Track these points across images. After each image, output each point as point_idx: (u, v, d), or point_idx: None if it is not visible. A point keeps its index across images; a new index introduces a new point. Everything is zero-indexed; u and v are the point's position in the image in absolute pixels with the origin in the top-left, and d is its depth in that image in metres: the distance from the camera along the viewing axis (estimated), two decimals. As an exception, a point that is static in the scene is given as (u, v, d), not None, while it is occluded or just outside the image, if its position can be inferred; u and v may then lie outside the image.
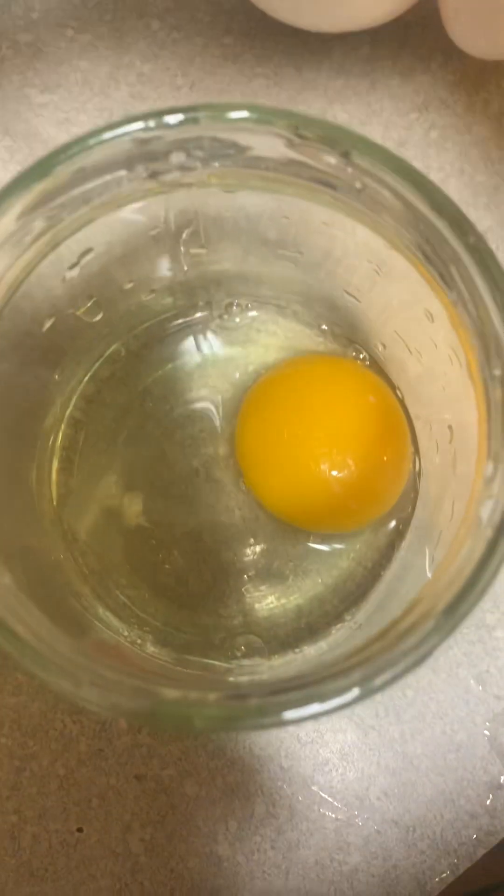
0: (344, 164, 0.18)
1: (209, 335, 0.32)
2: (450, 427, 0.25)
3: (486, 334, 0.18)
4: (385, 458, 0.29)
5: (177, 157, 0.18)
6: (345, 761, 0.31)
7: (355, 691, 0.16)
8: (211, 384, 0.32)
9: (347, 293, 0.27)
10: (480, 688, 0.31)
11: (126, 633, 0.29)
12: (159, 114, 0.17)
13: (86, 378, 0.31)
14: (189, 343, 0.32)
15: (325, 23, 0.33)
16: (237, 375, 0.32)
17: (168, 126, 0.17)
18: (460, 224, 0.18)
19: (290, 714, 0.16)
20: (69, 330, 0.27)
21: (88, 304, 0.26)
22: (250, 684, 0.17)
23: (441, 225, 0.18)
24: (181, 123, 0.17)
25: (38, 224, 0.18)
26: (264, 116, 0.17)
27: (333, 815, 0.31)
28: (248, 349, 0.32)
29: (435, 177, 0.35)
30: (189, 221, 0.24)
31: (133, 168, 0.18)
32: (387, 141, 0.35)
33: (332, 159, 0.18)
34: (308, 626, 0.31)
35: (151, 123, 0.17)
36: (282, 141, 0.18)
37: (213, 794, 0.31)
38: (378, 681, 0.16)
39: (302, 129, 0.17)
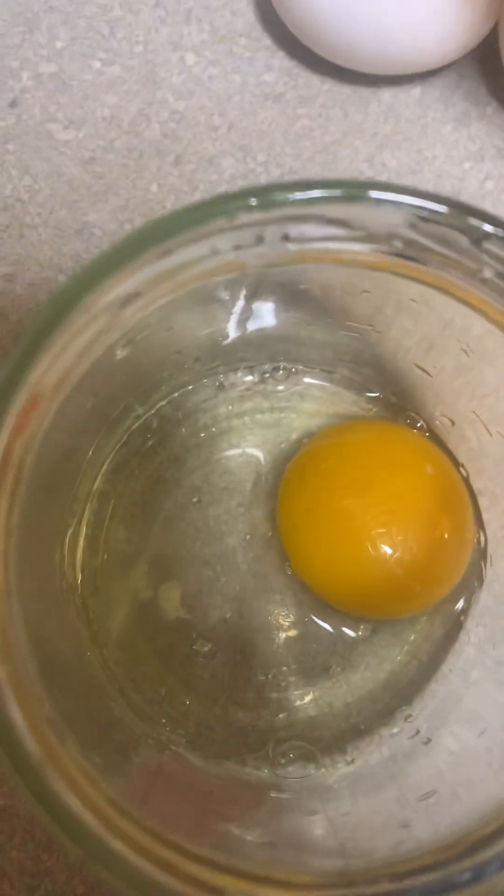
0: (475, 250, 0.15)
1: (250, 401, 0.29)
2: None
3: None
4: (446, 535, 0.26)
5: (271, 237, 0.15)
6: None
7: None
8: (250, 453, 0.29)
9: (418, 366, 0.25)
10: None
11: (155, 741, 0.26)
12: (267, 191, 0.14)
13: (116, 448, 0.28)
14: (228, 409, 0.29)
15: (377, 64, 0.31)
16: (279, 444, 0.29)
17: (274, 206, 0.14)
18: None
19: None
20: (107, 402, 0.24)
21: (130, 376, 0.23)
22: (364, 872, 0.14)
23: None
24: (291, 204, 0.14)
25: (112, 313, 0.15)
26: (388, 196, 0.14)
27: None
28: (291, 416, 0.30)
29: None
30: (257, 292, 0.21)
31: (220, 248, 0.15)
32: (438, 192, 0.33)
33: (462, 243, 0.15)
34: (355, 727, 0.28)
35: (253, 202, 0.14)
36: (405, 224, 0.15)
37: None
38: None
39: (428, 210, 0.15)
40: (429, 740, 0.25)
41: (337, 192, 0.14)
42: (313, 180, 0.14)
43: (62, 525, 0.27)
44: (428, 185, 0.32)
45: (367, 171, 0.32)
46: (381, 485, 0.26)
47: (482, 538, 0.27)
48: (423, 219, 0.15)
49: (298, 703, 0.28)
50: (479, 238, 0.15)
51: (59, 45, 0.32)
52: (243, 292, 0.22)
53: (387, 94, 0.32)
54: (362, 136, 0.32)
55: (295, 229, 0.15)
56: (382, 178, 0.32)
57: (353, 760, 0.27)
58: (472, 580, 0.27)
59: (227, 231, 0.15)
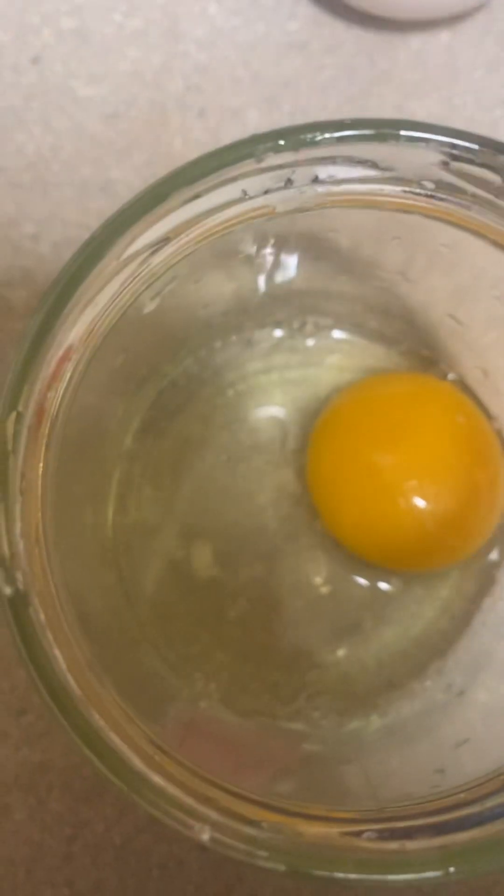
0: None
1: (278, 357, 0.29)
2: None
3: None
4: (478, 488, 0.26)
5: (300, 181, 0.15)
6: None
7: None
8: (280, 410, 0.29)
9: (451, 316, 0.24)
10: None
11: (188, 694, 0.27)
12: (292, 132, 0.14)
13: (145, 408, 0.28)
14: (255, 366, 0.29)
15: (405, 9, 0.30)
16: (308, 400, 0.29)
17: (302, 146, 0.14)
18: None
19: (459, 869, 0.13)
20: (137, 360, 0.24)
21: (160, 332, 0.23)
22: (400, 809, 0.14)
23: None
24: (317, 144, 0.14)
25: (140, 260, 0.15)
26: (418, 134, 0.14)
27: None
28: (320, 371, 0.29)
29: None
30: (285, 243, 0.21)
31: (250, 192, 0.15)
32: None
33: (495, 180, 0.15)
34: (388, 682, 0.28)
35: (282, 142, 0.14)
36: (436, 164, 0.14)
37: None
38: None
39: (459, 149, 0.14)
40: (462, 693, 0.25)
41: (366, 131, 0.14)
42: (342, 120, 0.14)
43: (94, 484, 0.27)
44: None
45: (394, 121, 0.31)
46: (411, 438, 0.26)
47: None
48: (455, 157, 0.15)
49: (330, 658, 0.28)
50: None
51: (79, -2, 0.32)
52: (271, 243, 0.21)
53: (415, 41, 0.32)
54: (390, 85, 0.32)
55: (324, 171, 0.15)
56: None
57: (386, 714, 0.27)
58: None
59: (256, 174, 0.15)
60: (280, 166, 0.15)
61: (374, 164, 0.15)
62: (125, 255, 0.14)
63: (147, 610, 0.28)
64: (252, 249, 0.22)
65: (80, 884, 0.28)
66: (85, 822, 0.28)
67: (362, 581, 0.28)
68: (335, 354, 0.29)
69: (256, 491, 0.29)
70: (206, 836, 0.14)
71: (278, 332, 0.29)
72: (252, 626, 0.28)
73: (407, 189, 0.16)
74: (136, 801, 0.14)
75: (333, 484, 0.27)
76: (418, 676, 0.28)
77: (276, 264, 0.23)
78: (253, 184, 0.15)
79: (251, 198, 0.15)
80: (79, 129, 0.31)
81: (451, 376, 0.27)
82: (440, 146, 0.14)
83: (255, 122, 0.31)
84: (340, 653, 0.28)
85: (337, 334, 0.29)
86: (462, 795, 0.15)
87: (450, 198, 0.16)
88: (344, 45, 0.32)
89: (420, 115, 0.31)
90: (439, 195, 0.16)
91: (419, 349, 0.29)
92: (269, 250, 0.22)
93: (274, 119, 0.31)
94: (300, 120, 0.31)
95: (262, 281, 0.25)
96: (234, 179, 0.15)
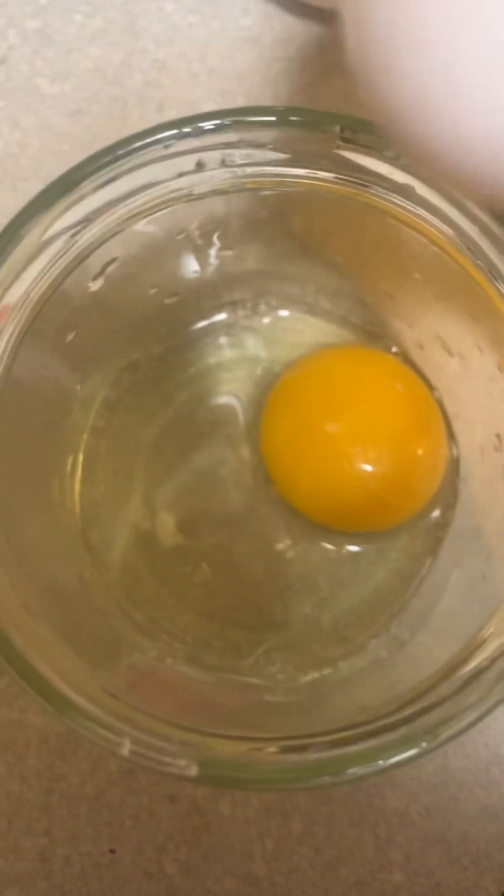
0: (395, 166, 0.16)
1: (235, 336, 0.31)
2: (498, 435, 0.23)
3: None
4: (419, 451, 0.28)
5: (210, 164, 0.17)
6: (383, 777, 0.30)
7: (422, 745, 0.15)
8: (237, 387, 0.31)
9: (384, 291, 0.26)
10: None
11: (155, 653, 0.28)
12: (192, 120, 0.15)
13: (108, 386, 0.29)
14: (214, 346, 0.31)
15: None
16: (264, 377, 0.31)
17: (203, 133, 0.15)
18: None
19: (353, 771, 0.15)
20: (92, 338, 0.25)
21: (111, 312, 0.25)
22: (304, 732, 0.16)
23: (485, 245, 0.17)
24: (217, 130, 0.15)
25: (65, 238, 0.17)
26: (308, 121, 0.16)
27: (373, 833, 0.30)
28: (275, 349, 0.31)
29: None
30: (218, 224, 0.22)
31: (163, 176, 0.17)
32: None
33: (381, 162, 0.16)
34: (344, 639, 0.30)
35: (187, 129, 0.15)
36: (326, 145, 0.16)
37: (249, 814, 0.30)
38: (446, 734, 0.15)
39: (349, 132, 0.16)
40: (402, 646, 0.26)
41: (263, 118, 0.16)
42: (240, 108, 0.16)
43: (58, 457, 0.28)
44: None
45: (343, 108, 0.32)
46: (356, 407, 0.28)
47: (457, 461, 0.29)
48: (346, 140, 0.16)
49: (289, 617, 0.30)
50: (395, 155, 0.16)
51: (42, 1, 0.33)
52: (214, 227, 0.23)
53: (362, 32, 0.33)
54: (340, 75, 0.33)
55: (230, 155, 0.17)
56: (359, 114, 0.32)
57: (338, 668, 0.28)
58: (448, 495, 0.29)
59: (166, 159, 0.16)
60: (187, 151, 0.16)
61: (275, 148, 0.17)
62: (46, 236, 0.16)
63: (115, 577, 0.30)
64: (195, 231, 0.23)
65: (57, 833, 0.30)
66: (60, 775, 0.30)
67: (318, 544, 0.30)
68: (289, 333, 0.31)
69: (217, 463, 0.30)
70: (125, 751, 0.15)
71: (234, 313, 0.30)
72: (215, 589, 0.30)
73: (310, 171, 0.17)
74: (63, 721, 0.16)
75: (286, 453, 0.29)
76: (370, 633, 0.29)
77: (224, 247, 0.25)
78: (165, 168, 0.16)
79: (165, 181, 0.17)
80: (45, 126, 0.33)
81: (394, 350, 0.29)
82: (330, 131, 0.16)
83: (211, 113, 0.32)
84: (298, 612, 0.30)
85: (290, 314, 0.31)
86: (362, 717, 0.16)
87: (349, 177, 0.17)
88: (295, 39, 0.33)
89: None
90: (341, 176, 0.18)
91: (367, 326, 0.30)
92: (215, 234, 0.24)
93: (228, 111, 0.32)
94: (251, 111, 0.33)
95: (209, 264, 0.26)
96: (144, 164, 0.16)
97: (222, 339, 0.31)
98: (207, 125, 0.16)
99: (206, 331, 0.30)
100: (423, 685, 0.17)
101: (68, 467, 0.29)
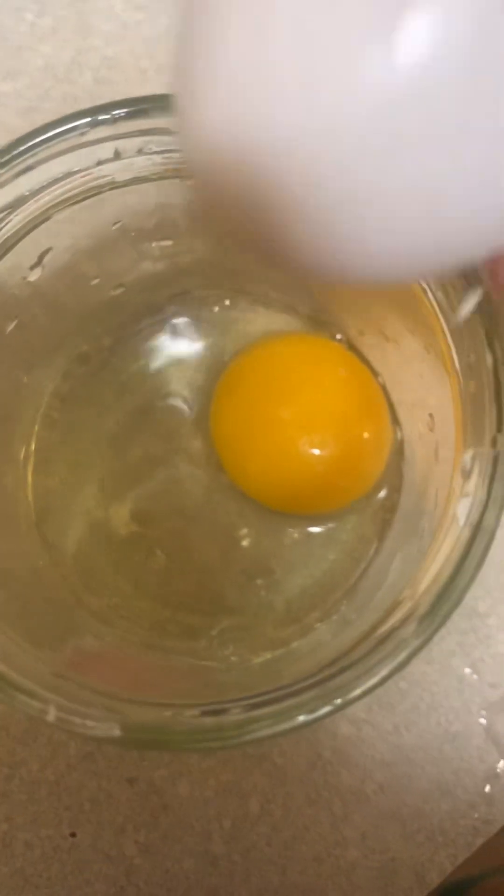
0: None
1: (185, 327, 0.31)
2: (430, 415, 0.24)
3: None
4: (364, 434, 0.28)
5: (128, 152, 0.17)
6: (339, 756, 0.30)
7: (337, 702, 0.15)
8: (188, 377, 0.31)
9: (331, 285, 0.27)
10: (475, 676, 0.31)
11: (111, 638, 0.29)
12: (106, 108, 0.16)
13: (59, 377, 0.30)
14: (165, 336, 0.31)
15: None
16: (214, 366, 0.31)
17: (117, 120, 0.16)
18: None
19: (265, 731, 0.15)
20: (37, 329, 0.26)
21: (55, 303, 0.25)
22: (231, 697, 0.16)
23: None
24: (130, 117, 0.16)
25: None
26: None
27: (329, 811, 0.30)
28: (225, 339, 0.32)
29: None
30: (152, 213, 0.23)
31: (82, 164, 0.17)
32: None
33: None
34: (296, 620, 0.30)
35: (101, 116, 0.16)
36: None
37: (207, 794, 0.30)
38: (357, 691, 0.15)
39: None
40: (349, 624, 0.27)
41: (162, 105, 0.16)
42: (153, 96, 0.16)
43: (10, 448, 0.29)
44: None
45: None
46: (301, 392, 0.28)
47: (402, 444, 0.29)
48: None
49: (243, 601, 0.30)
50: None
51: (-7, 0, 0.34)
52: (150, 216, 0.24)
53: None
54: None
55: (146, 143, 0.17)
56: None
57: (290, 648, 0.29)
58: (394, 478, 0.29)
59: (84, 146, 0.17)
60: (103, 139, 0.17)
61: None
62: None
63: (71, 565, 0.30)
64: (130, 223, 0.24)
65: (18, 818, 0.30)
66: (21, 761, 0.30)
67: (271, 529, 0.31)
68: (238, 322, 0.32)
69: (170, 452, 0.31)
70: (51, 717, 0.16)
71: (183, 304, 0.31)
72: (170, 575, 0.31)
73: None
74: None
75: (234, 439, 0.29)
76: (321, 614, 0.30)
77: (164, 237, 0.25)
78: (83, 156, 0.17)
79: (85, 169, 0.17)
80: (-3, 123, 0.33)
81: (338, 337, 0.30)
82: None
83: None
84: (252, 596, 0.30)
85: (239, 303, 0.31)
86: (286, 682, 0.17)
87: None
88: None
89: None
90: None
91: (316, 314, 0.31)
92: (151, 224, 0.24)
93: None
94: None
95: (153, 254, 0.27)
96: (62, 153, 0.17)
97: (172, 330, 0.31)
98: (120, 112, 0.16)
99: (156, 322, 0.31)
100: (344, 649, 0.17)
101: (21, 458, 0.29)
